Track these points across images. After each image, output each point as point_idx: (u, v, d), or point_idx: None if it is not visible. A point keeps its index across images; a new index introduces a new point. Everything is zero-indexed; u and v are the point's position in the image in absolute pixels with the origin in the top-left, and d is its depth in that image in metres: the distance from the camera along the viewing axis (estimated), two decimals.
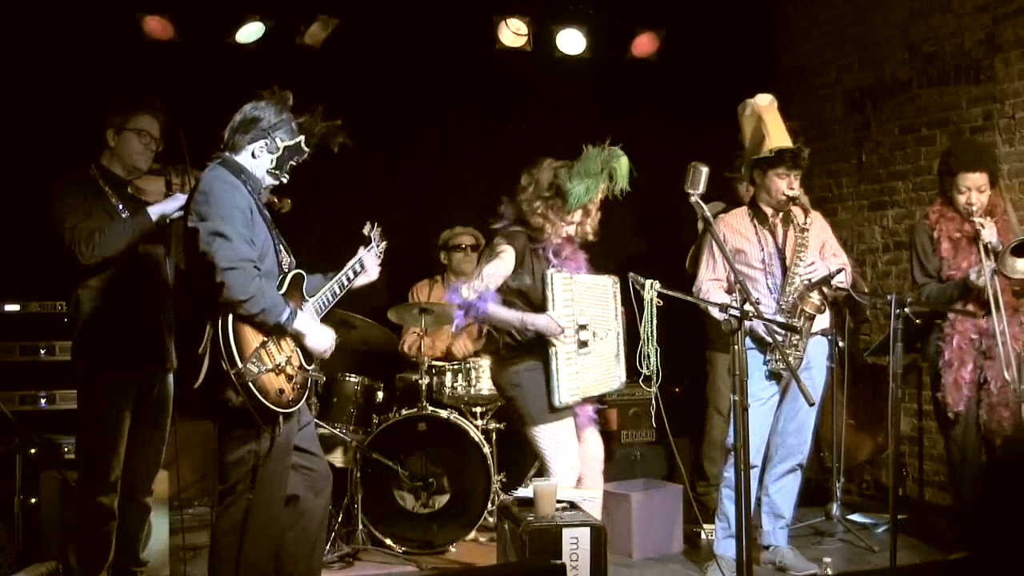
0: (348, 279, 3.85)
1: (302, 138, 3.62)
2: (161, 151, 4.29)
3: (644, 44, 6.61)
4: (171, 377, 4.29)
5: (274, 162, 3.59)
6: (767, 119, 4.72)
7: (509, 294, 4.33)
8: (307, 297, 3.68)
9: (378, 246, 4.00)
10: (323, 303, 3.74)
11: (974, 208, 4.67)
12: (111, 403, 4.07)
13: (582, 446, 4.43)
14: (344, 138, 3.75)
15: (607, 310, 4.30)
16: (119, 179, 4.22)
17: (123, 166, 4.22)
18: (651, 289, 4.29)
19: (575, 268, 4.37)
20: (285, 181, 3.66)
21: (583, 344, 4.22)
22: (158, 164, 4.32)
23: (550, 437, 4.29)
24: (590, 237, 4.45)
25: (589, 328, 4.23)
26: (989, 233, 4.61)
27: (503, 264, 4.30)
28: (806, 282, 4.62)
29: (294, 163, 3.65)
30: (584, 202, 4.24)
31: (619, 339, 4.34)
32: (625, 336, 4.46)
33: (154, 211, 4.09)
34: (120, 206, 4.16)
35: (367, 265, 3.92)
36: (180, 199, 4.08)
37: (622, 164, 4.27)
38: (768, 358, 4.69)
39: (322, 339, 3.59)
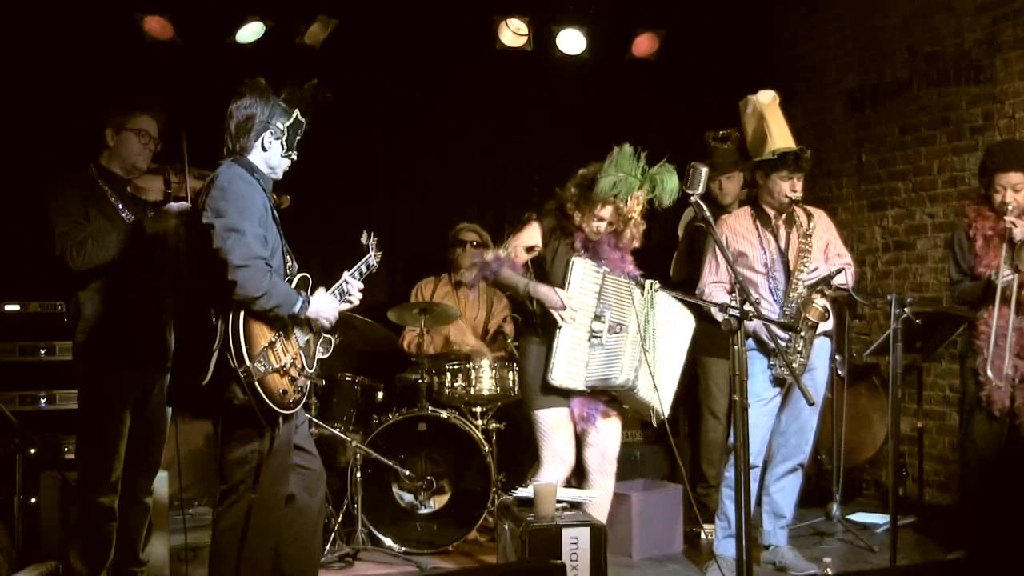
0: (344, 290, 3.82)
1: (297, 112, 3.66)
2: (159, 151, 4.28)
3: (644, 44, 6.62)
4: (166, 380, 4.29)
5: (283, 145, 3.63)
6: (769, 118, 4.71)
7: (536, 274, 4.39)
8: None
9: (375, 256, 3.99)
10: None
11: (1009, 207, 4.66)
12: (112, 403, 4.07)
13: (590, 442, 4.41)
14: (328, 93, 3.75)
15: (628, 310, 4.29)
16: (118, 178, 4.22)
17: (122, 165, 4.21)
18: (650, 289, 4.30)
19: (610, 266, 4.34)
20: (295, 158, 3.68)
21: (595, 334, 4.22)
22: (156, 164, 4.32)
23: (540, 423, 4.33)
24: (635, 243, 4.41)
25: (605, 321, 4.22)
26: (1021, 231, 4.61)
27: (525, 235, 4.38)
28: (808, 284, 4.62)
29: (299, 138, 3.68)
30: (609, 196, 4.19)
31: (639, 341, 4.23)
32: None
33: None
34: (120, 205, 4.17)
35: (353, 294, 3.83)
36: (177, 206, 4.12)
37: (669, 178, 4.20)
38: (772, 363, 4.68)
39: (329, 311, 3.61)
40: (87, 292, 4.07)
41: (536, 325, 4.36)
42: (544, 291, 4.26)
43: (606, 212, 4.26)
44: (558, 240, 4.37)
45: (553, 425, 4.31)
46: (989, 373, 4.65)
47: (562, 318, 4.21)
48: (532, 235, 4.40)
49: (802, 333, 4.60)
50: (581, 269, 4.26)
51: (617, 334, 4.23)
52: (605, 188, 4.17)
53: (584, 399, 4.32)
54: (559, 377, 4.23)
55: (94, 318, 4.07)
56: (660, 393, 4.29)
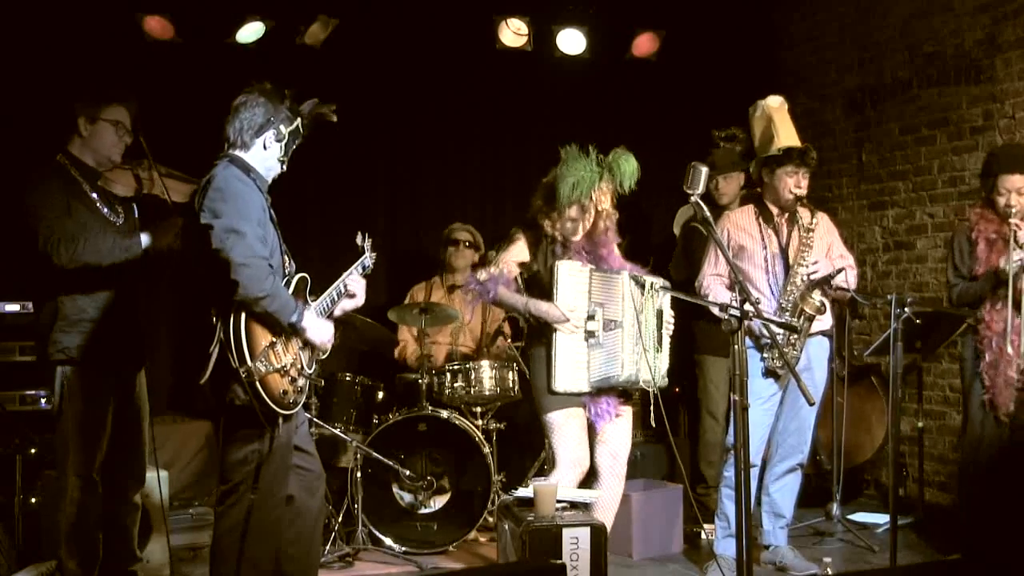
0: (340, 292, 3.83)
1: (299, 121, 3.67)
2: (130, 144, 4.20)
3: (644, 44, 6.61)
4: (144, 376, 4.26)
5: (282, 149, 3.64)
6: (777, 119, 4.78)
7: (531, 287, 4.39)
8: (309, 302, 3.68)
9: (370, 257, 3.99)
10: (322, 309, 3.74)
11: (1013, 210, 4.65)
12: (93, 405, 4.01)
13: (601, 442, 4.40)
14: (330, 111, 3.76)
15: (619, 303, 4.31)
16: (91, 170, 4.11)
17: (95, 157, 4.11)
18: (651, 289, 4.31)
19: (597, 261, 4.38)
20: (286, 169, 3.69)
21: (591, 334, 4.23)
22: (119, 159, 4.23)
23: (552, 427, 4.33)
24: (611, 234, 4.45)
25: (598, 319, 4.24)
26: None
27: (515, 250, 4.41)
28: (808, 282, 4.63)
29: (294, 147, 3.69)
30: (572, 199, 4.27)
31: (635, 332, 4.28)
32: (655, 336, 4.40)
33: (144, 240, 4.01)
34: (95, 195, 4.08)
35: (356, 289, 3.86)
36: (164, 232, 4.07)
37: (626, 162, 4.30)
38: (765, 356, 4.69)
39: (322, 333, 3.62)
40: (69, 292, 3.98)
41: (537, 335, 4.37)
42: (544, 308, 4.27)
43: (573, 212, 4.33)
44: (544, 250, 4.39)
45: (566, 426, 4.30)
46: (996, 377, 4.64)
47: (565, 330, 4.23)
48: (520, 250, 4.42)
49: (798, 327, 4.60)
50: (566, 271, 4.28)
51: (612, 331, 4.24)
52: (566, 193, 4.26)
53: (596, 396, 4.33)
54: (563, 383, 4.25)
55: (75, 319, 3.99)
56: (660, 370, 4.34)
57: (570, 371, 4.25)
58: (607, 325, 4.24)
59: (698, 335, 5.76)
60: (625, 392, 4.44)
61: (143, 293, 4.17)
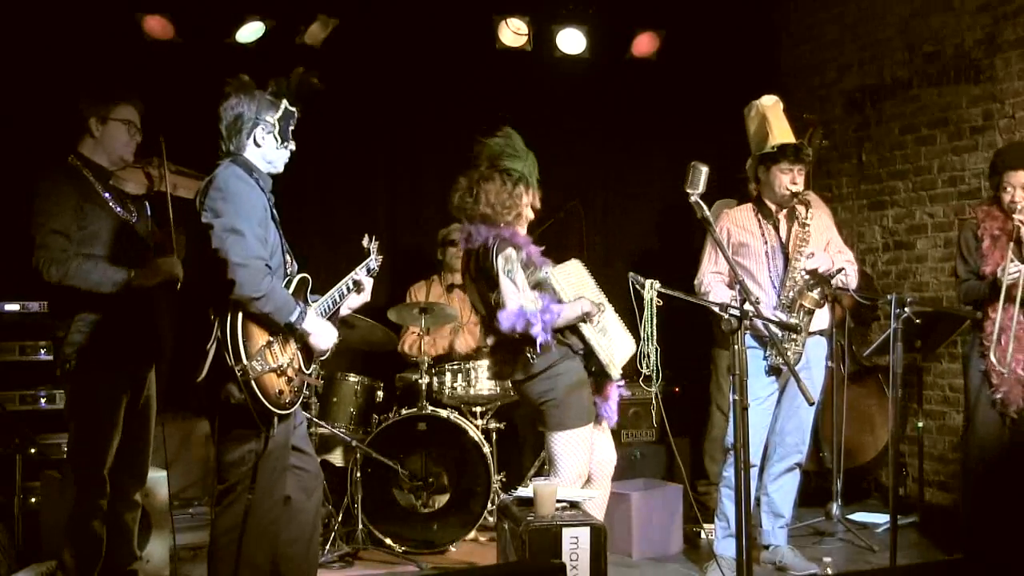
0: (348, 288, 3.83)
1: (285, 103, 3.64)
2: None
3: (644, 44, 6.61)
4: (154, 374, 4.26)
5: (277, 138, 3.61)
6: (771, 118, 4.78)
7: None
8: (310, 303, 3.68)
9: (376, 259, 3.98)
10: (325, 309, 3.74)
11: (1018, 206, 4.67)
12: (106, 404, 4.01)
13: (595, 448, 4.35)
14: (315, 78, 3.71)
15: (590, 286, 4.32)
16: (103, 170, 4.11)
17: (108, 157, 4.11)
18: (651, 288, 4.30)
19: (542, 261, 4.32)
20: (294, 148, 3.67)
21: (596, 322, 4.23)
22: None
23: (569, 443, 4.19)
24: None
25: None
26: None
27: (521, 274, 4.20)
28: (806, 276, 4.63)
29: (293, 127, 3.67)
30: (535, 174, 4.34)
31: (609, 310, 4.33)
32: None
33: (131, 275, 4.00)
34: (108, 195, 4.08)
35: (364, 284, 3.88)
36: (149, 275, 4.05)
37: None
38: (767, 353, 4.70)
39: (326, 337, 3.61)
40: (82, 292, 3.97)
41: (566, 342, 4.22)
42: (585, 306, 4.15)
43: (532, 193, 4.34)
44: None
45: (582, 442, 4.21)
46: (1004, 371, 4.64)
47: (593, 322, 4.18)
48: (520, 270, 4.22)
49: (798, 326, 4.60)
50: (556, 274, 4.21)
51: (604, 312, 4.27)
52: (532, 169, 4.36)
53: (617, 387, 4.30)
54: (623, 356, 4.22)
55: (90, 319, 3.99)
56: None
57: (620, 350, 4.22)
58: (598, 307, 4.25)
59: (715, 330, 5.75)
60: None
61: (159, 295, 4.17)
